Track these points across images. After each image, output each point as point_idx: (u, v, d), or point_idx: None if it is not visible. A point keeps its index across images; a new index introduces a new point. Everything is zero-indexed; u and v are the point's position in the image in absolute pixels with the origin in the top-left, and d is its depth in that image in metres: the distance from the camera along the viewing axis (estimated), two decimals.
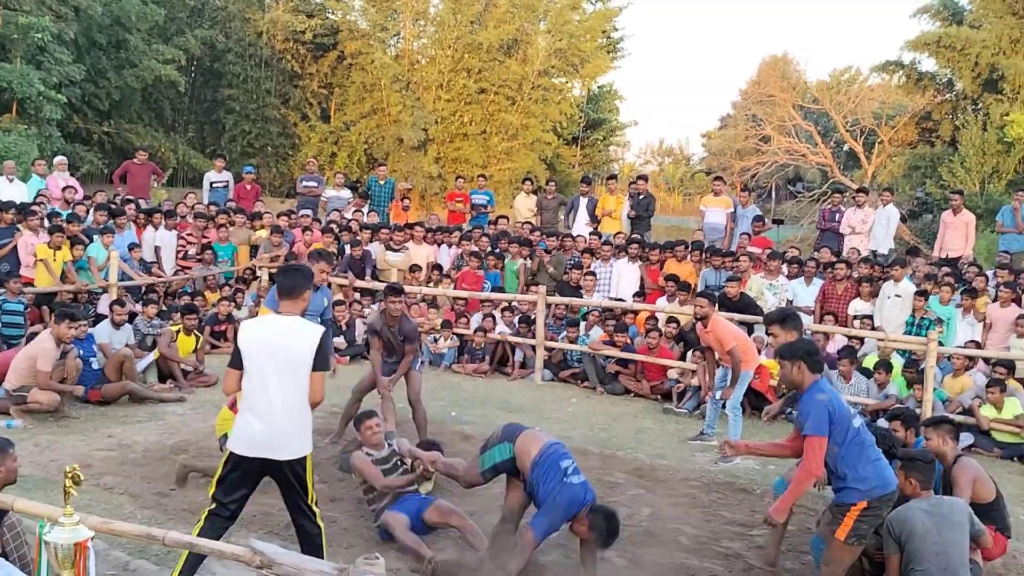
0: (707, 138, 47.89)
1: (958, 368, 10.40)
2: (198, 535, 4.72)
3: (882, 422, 8.95)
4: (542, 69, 28.74)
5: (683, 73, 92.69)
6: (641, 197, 15.24)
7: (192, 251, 14.26)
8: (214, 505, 5.02)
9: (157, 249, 13.99)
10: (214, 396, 10.17)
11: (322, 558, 4.73)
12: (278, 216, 15.31)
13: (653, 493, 7.86)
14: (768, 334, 6.52)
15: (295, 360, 4.93)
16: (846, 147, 34.96)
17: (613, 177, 17.33)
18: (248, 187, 17.12)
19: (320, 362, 4.98)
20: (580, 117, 34.09)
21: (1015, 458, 9.50)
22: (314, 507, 5.09)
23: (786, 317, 6.51)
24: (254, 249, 14.60)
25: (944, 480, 6.07)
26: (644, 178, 16.20)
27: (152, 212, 14.48)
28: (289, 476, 4.98)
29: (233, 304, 12.93)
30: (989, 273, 12.47)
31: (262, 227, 14.93)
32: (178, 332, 11.03)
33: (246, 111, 28.43)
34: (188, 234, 14.45)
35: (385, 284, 10.70)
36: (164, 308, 12.27)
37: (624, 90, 75.53)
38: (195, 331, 11.23)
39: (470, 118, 28.70)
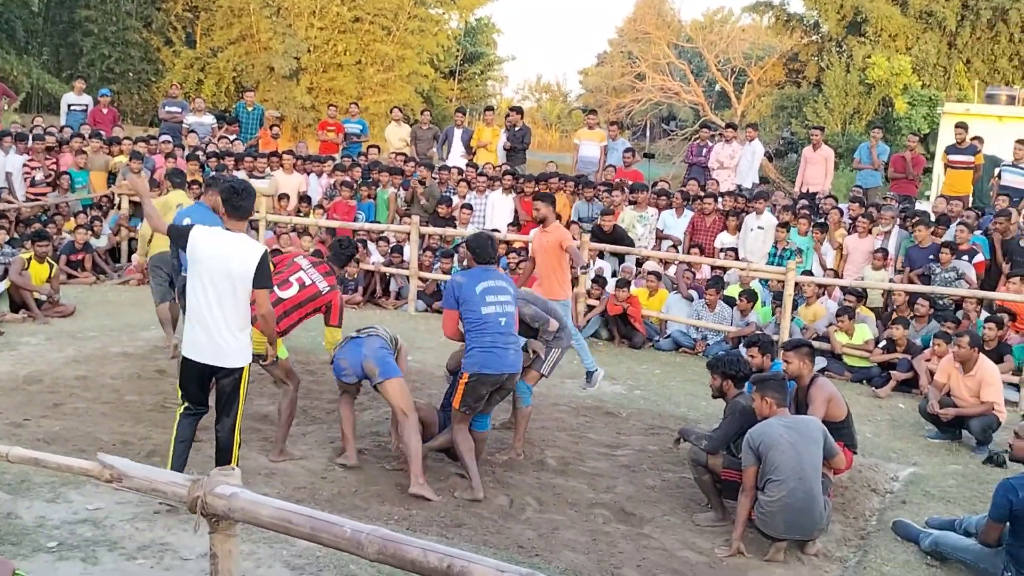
0: (584, 75, 48.17)
1: (810, 297, 10.83)
2: (175, 433, 5.55)
3: (742, 348, 9.29)
4: None
5: (561, 8, 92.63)
6: (516, 129, 15.21)
7: (39, 176, 13.50)
8: (183, 406, 5.60)
9: (8, 175, 13.22)
10: (71, 326, 9.77)
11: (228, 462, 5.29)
12: (136, 141, 14.62)
13: None
14: None
15: (235, 277, 5.29)
16: (717, 87, 35.71)
17: (490, 109, 17.21)
18: (104, 111, 16.28)
19: (260, 279, 5.34)
20: (457, 50, 33.73)
21: (863, 380, 10.02)
22: (236, 420, 5.54)
23: None
24: (112, 176, 13.94)
25: (797, 400, 6.39)
26: (518, 110, 16.15)
27: (2, 136, 13.62)
28: (226, 384, 5.48)
29: (91, 232, 12.38)
30: (843, 207, 12.96)
31: (120, 153, 14.26)
32: (30, 260, 10.48)
33: (105, 34, 26.98)
34: (31, 159, 13.67)
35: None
36: (16, 236, 11.65)
37: (502, 24, 75.20)
38: (48, 259, 10.69)
39: (344, 47, 27.98)
